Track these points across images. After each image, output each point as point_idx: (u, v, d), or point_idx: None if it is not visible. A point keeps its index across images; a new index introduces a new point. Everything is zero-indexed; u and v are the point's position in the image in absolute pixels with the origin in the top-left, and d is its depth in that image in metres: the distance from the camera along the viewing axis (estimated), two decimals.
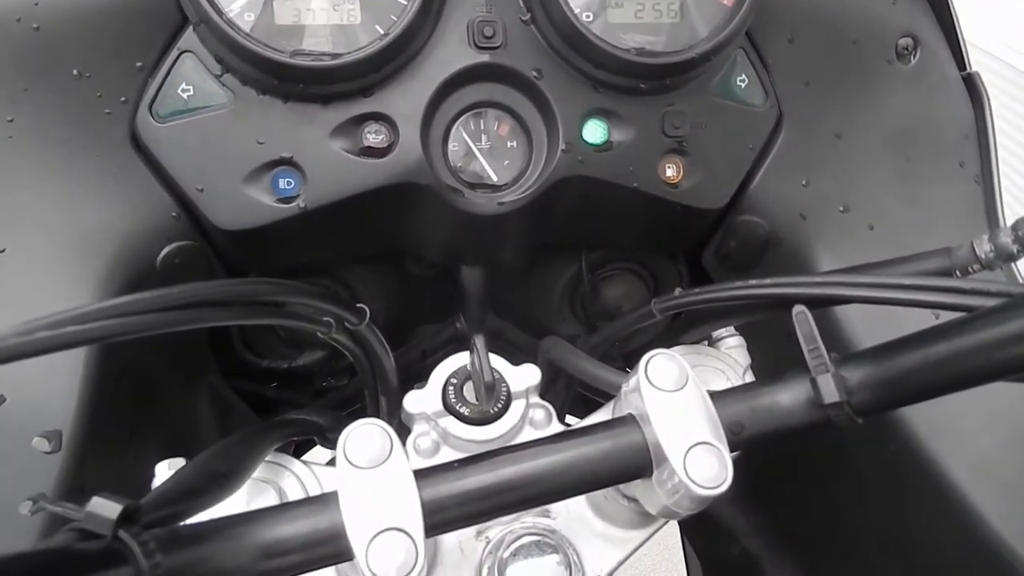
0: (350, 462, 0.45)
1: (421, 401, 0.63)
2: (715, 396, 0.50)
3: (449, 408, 0.63)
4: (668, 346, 0.60)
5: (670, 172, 0.73)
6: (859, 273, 0.56)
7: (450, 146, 0.70)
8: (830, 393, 0.48)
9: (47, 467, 0.57)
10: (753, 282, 0.58)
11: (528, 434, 0.64)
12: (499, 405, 0.63)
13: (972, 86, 0.82)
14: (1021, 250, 0.51)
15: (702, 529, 1.09)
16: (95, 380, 0.62)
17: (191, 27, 0.67)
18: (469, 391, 0.63)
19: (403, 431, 0.62)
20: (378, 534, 0.42)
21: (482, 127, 0.71)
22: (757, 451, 0.51)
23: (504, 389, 0.64)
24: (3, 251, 0.64)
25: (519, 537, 0.60)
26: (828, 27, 0.78)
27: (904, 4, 0.79)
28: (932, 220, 0.77)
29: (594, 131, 0.71)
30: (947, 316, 0.48)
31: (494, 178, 0.71)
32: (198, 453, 0.51)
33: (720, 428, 0.48)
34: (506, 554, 0.59)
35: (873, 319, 0.69)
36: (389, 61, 0.66)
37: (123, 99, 0.67)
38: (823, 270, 0.74)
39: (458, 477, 0.47)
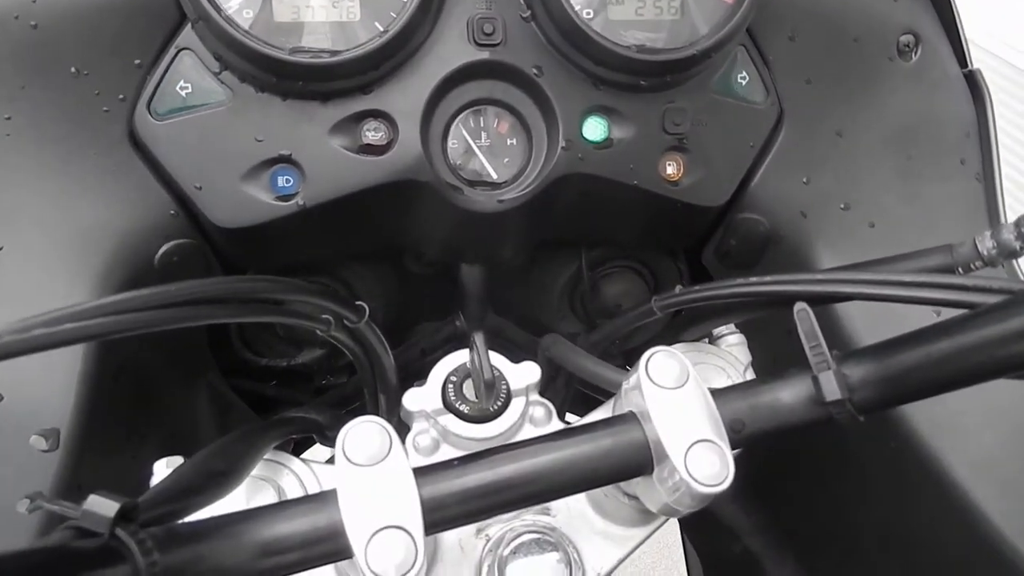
0: (349, 460, 0.45)
1: (420, 399, 0.63)
2: (716, 394, 0.50)
3: (449, 406, 0.62)
4: (668, 344, 0.60)
5: (670, 169, 0.73)
6: (860, 270, 0.55)
7: (450, 143, 0.70)
8: (832, 391, 0.48)
9: (44, 465, 0.57)
10: (754, 279, 0.58)
11: (528, 432, 0.64)
12: (499, 403, 0.62)
13: (973, 83, 0.82)
14: None
15: (702, 527, 1.09)
16: (93, 378, 0.61)
17: (189, 24, 0.67)
18: (469, 389, 0.63)
19: (402, 429, 0.61)
20: (377, 532, 0.42)
21: (482, 124, 0.71)
22: (758, 449, 0.51)
23: (504, 387, 0.63)
24: (1, 249, 0.64)
25: (519, 535, 0.60)
26: (829, 24, 0.77)
27: (905, 1, 0.79)
28: (933, 218, 0.77)
29: (594, 128, 0.70)
30: (948, 313, 0.48)
31: (494, 176, 0.71)
32: (197, 451, 0.51)
33: (721, 426, 0.48)
34: (506, 552, 0.59)
35: (874, 316, 0.69)
36: (388, 58, 0.66)
37: (121, 97, 0.67)
38: (824, 268, 0.73)
39: (458, 475, 0.47)
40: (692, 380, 0.50)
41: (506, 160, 0.71)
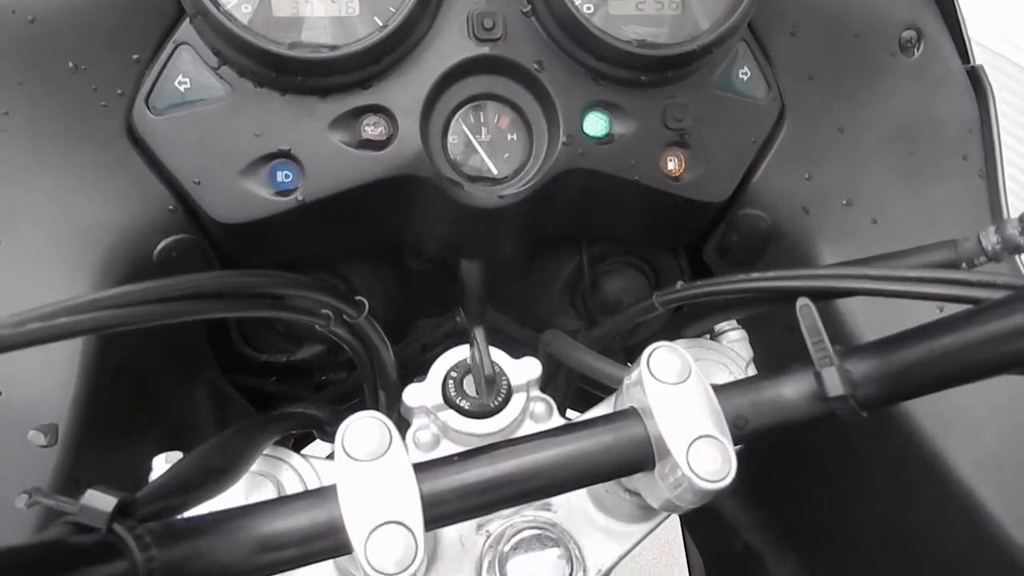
0: (348, 455, 0.44)
1: (420, 394, 0.63)
2: (718, 389, 0.50)
3: (449, 401, 0.62)
4: (670, 340, 0.59)
5: (672, 165, 0.72)
6: (863, 266, 0.55)
7: (449, 139, 0.70)
8: (834, 386, 0.47)
9: (43, 461, 0.57)
10: (756, 275, 0.57)
11: (529, 428, 0.64)
12: (499, 398, 0.62)
13: (976, 79, 0.82)
14: None
15: (704, 523, 1.09)
16: (92, 374, 0.61)
17: (188, 19, 0.66)
18: (469, 384, 0.63)
19: (402, 425, 0.61)
20: (377, 527, 0.42)
21: (482, 120, 0.70)
22: (760, 445, 0.51)
23: (504, 382, 0.63)
24: None
25: (520, 531, 0.59)
26: (831, 20, 0.77)
27: None
28: (935, 214, 0.77)
29: (595, 124, 0.70)
30: (951, 309, 0.48)
31: (494, 171, 0.70)
32: (196, 447, 0.51)
33: (723, 421, 0.48)
34: (507, 548, 0.59)
35: (876, 312, 0.69)
36: (388, 53, 0.66)
37: (119, 92, 0.66)
38: (826, 264, 0.73)
39: (458, 470, 0.46)
40: (694, 375, 0.50)
41: (506, 156, 0.71)
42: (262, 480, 0.59)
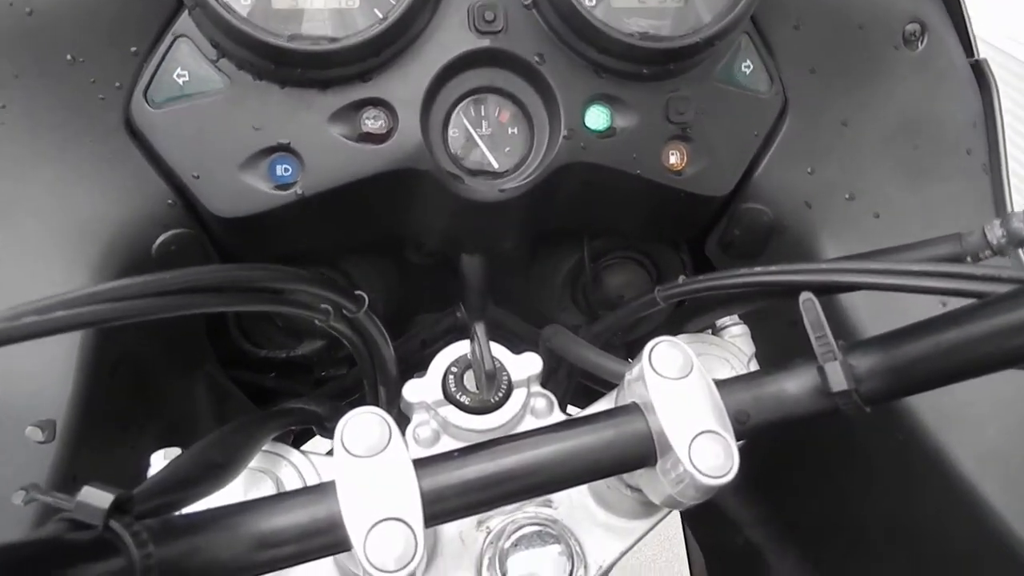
0: (348, 451, 0.44)
1: (421, 390, 0.62)
2: (720, 384, 0.50)
3: (449, 397, 0.62)
4: (671, 335, 0.59)
5: (674, 159, 0.72)
6: (867, 260, 0.55)
7: (450, 132, 0.69)
8: (838, 381, 0.47)
9: (41, 457, 0.56)
10: (759, 269, 0.57)
11: (529, 423, 0.64)
12: (500, 394, 0.62)
13: (980, 73, 0.81)
14: None
15: (704, 519, 1.09)
16: (90, 369, 0.61)
17: (186, 11, 0.66)
18: (469, 380, 0.62)
19: (402, 421, 0.61)
20: (376, 524, 0.42)
21: (483, 113, 0.70)
22: (762, 440, 0.50)
23: (505, 378, 0.63)
24: None
25: (520, 527, 0.59)
26: (834, 12, 0.76)
27: None
28: (939, 209, 0.76)
29: (597, 117, 0.69)
30: (954, 304, 0.47)
31: (495, 165, 0.70)
32: (195, 443, 0.50)
33: (726, 417, 0.48)
34: (507, 544, 0.58)
35: (878, 307, 0.69)
36: (388, 45, 0.65)
37: (117, 85, 0.66)
38: (828, 258, 0.73)
39: (458, 466, 0.46)
40: (696, 370, 0.49)
41: (507, 149, 0.70)
42: (261, 476, 0.58)
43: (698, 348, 0.70)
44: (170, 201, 0.68)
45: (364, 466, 0.44)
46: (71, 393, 0.59)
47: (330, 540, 0.42)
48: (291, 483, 0.60)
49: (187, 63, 0.66)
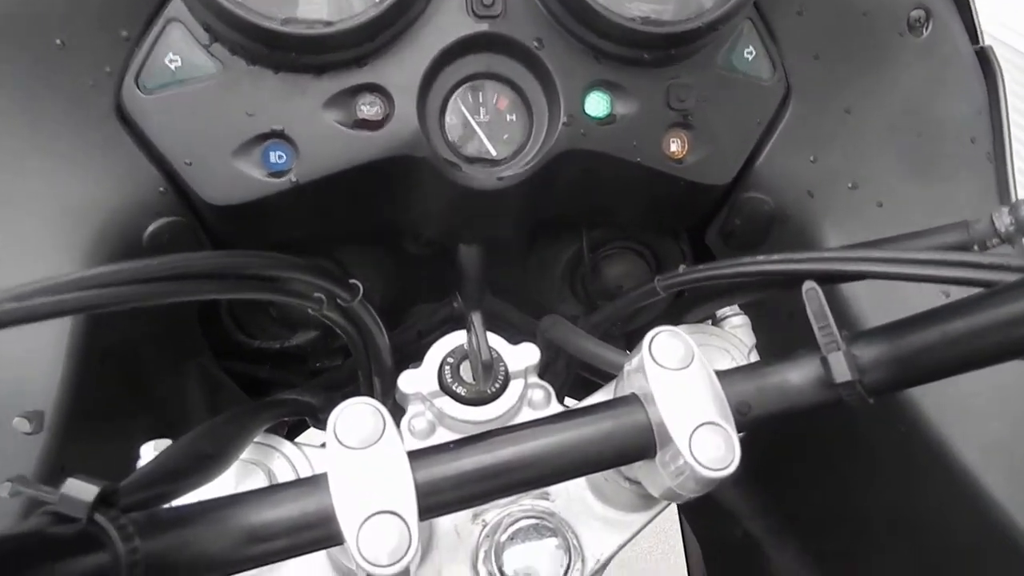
0: (340, 442, 0.43)
1: (416, 381, 0.61)
2: (721, 375, 0.49)
3: (445, 388, 0.61)
4: (671, 325, 0.58)
5: (674, 147, 0.71)
6: (872, 248, 0.54)
7: (447, 119, 0.68)
8: (841, 372, 0.46)
9: (28, 448, 0.55)
10: (761, 258, 0.56)
11: (526, 415, 0.63)
12: (496, 385, 0.61)
13: (985, 60, 0.80)
14: None
15: (702, 511, 1.08)
16: (79, 358, 0.60)
17: None
18: (466, 370, 0.61)
19: (398, 412, 0.60)
20: (369, 517, 0.41)
21: (480, 100, 0.69)
22: (761, 431, 0.49)
23: (502, 368, 0.62)
24: None
25: (517, 520, 0.58)
26: None
27: None
28: (943, 197, 0.75)
29: (596, 104, 0.68)
30: (958, 294, 0.46)
31: (493, 152, 0.69)
32: None
33: (727, 408, 0.47)
34: (503, 537, 0.58)
35: (880, 297, 0.68)
36: (384, 29, 0.64)
37: (108, 70, 0.65)
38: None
39: (454, 458, 0.45)
40: (697, 361, 0.48)
41: (506, 136, 0.69)
42: (253, 468, 0.58)
43: (698, 339, 0.70)
44: (162, 188, 0.66)
45: (357, 458, 0.43)
46: (60, 383, 0.58)
47: (322, 534, 0.41)
48: (283, 475, 0.59)
49: (179, 48, 0.65)
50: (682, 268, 0.65)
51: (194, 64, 0.65)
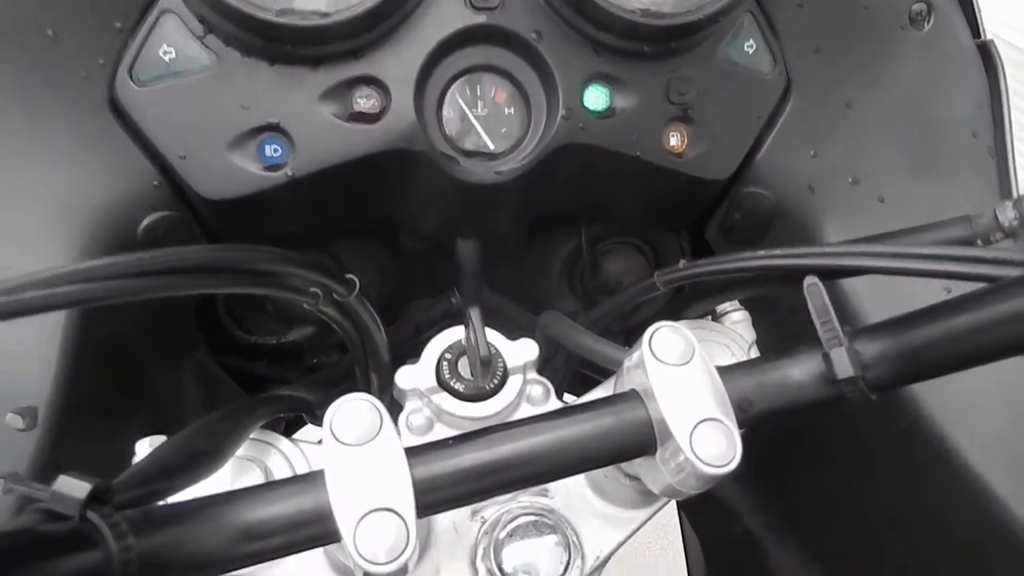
0: (337, 439, 0.42)
1: (413, 377, 0.60)
2: (722, 371, 0.48)
3: (443, 384, 0.60)
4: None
5: (674, 141, 0.70)
6: (874, 243, 0.53)
7: (445, 112, 0.67)
8: (844, 368, 0.46)
9: (21, 445, 0.55)
10: (762, 253, 0.55)
11: (525, 411, 0.62)
12: (495, 381, 0.60)
13: (986, 54, 0.79)
14: None
15: (701, 507, 1.08)
16: (74, 354, 0.59)
17: None
18: (464, 366, 0.61)
19: (395, 408, 0.59)
20: (367, 515, 0.40)
21: (478, 93, 0.68)
22: (761, 428, 0.49)
23: (500, 364, 0.61)
24: None
25: (516, 517, 0.58)
26: None
27: None
28: (944, 192, 0.75)
29: (596, 97, 0.68)
30: (960, 289, 0.46)
31: (491, 146, 0.68)
32: None
33: (728, 404, 0.46)
34: (502, 535, 0.57)
35: (881, 293, 0.67)
36: (381, 21, 0.63)
37: (101, 62, 0.64)
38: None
39: (452, 455, 0.45)
40: (698, 356, 0.48)
41: (504, 130, 0.68)
42: (249, 465, 0.57)
43: (698, 334, 0.67)
44: (156, 182, 0.66)
45: (354, 455, 0.42)
46: (53, 379, 0.58)
47: (319, 531, 0.41)
48: (280, 472, 0.58)
49: (173, 39, 0.64)
50: (682, 263, 0.64)
51: (188, 56, 0.64)
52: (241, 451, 0.55)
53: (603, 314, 0.80)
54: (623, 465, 0.56)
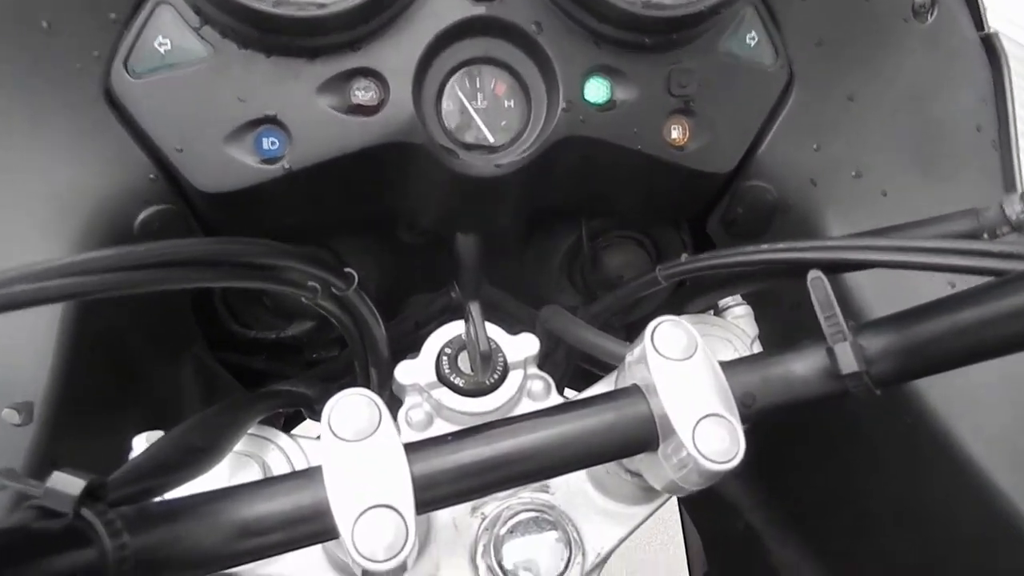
0: (335, 435, 0.42)
1: (413, 372, 0.60)
2: (725, 366, 0.48)
3: (443, 379, 0.60)
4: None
5: (676, 134, 0.70)
6: (879, 236, 0.53)
7: (444, 105, 0.67)
8: (848, 363, 0.45)
9: (17, 440, 0.54)
10: (765, 246, 0.55)
11: (526, 406, 0.62)
12: (495, 376, 0.60)
13: (990, 47, 0.79)
14: None
15: (703, 502, 1.08)
16: (70, 348, 0.59)
17: None
18: (464, 361, 0.60)
19: (395, 403, 0.59)
20: (365, 511, 0.40)
21: (478, 85, 0.67)
22: (764, 422, 0.49)
23: (500, 359, 0.60)
24: None
25: (516, 513, 0.57)
26: None
27: None
28: (948, 186, 0.74)
29: (596, 89, 0.67)
30: (964, 284, 0.45)
31: (490, 139, 0.67)
32: None
33: (731, 399, 0.46)
34: (503, 531, 0.57)
35: (885, 287, 0.67)
36: (379, 12, 0.62)
37: (96, 53, 0.63)
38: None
39: (452, 451, 0.44)
40: (700, 351, 0.47)
41: (503, 123, 0.67)
42: (247, 461, 0.56)
43: (700, 329, 0.67)
44: (152, 176, 0.65)
45: (352, 450, 0.42)
46: (49, 374, 0.57)
47: (317, 528, 0.40)
48: (278, 468, 0.58)
49: (169, 31, 0.63)
50: (684, 257, 0.64)
51: (184, 48, 0.63)
52: (239, 447, 0.55)
53: (603, 309, 0.79)
54: (625, 461, 0.56)
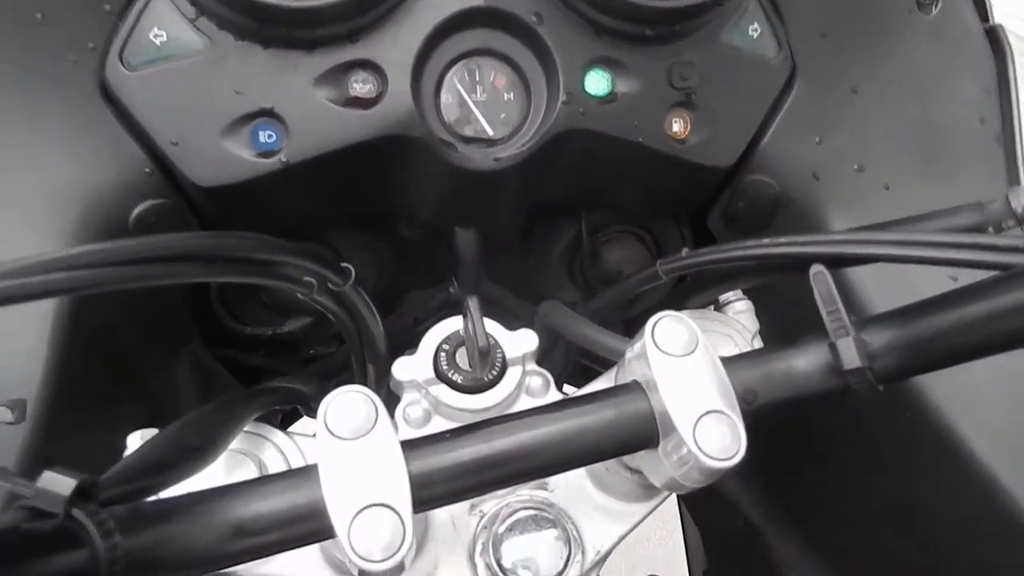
0: (331, 432, 0.41)
1: (411, 368, 0.59)
2: (727, 362, 0.47)
3: (441, 375, 0.59)
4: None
5: (677, 127, 0.69)
6: (882, 231, 0.52)
7: (442, 97, 0.66)
8: (851, 359, 0.45)
9: (9, 439, 0.54)
10: (766, 241, 0.54)
11: (525, 403, 0.61)
12: (494, 372, 0.59)
13: (995, 39, 0.78)
14: None
15: (702, 498, 1.07)
16: (63, 345, 0.58)
17: None
18: (462, 357, 0.60)
19: (392, 400, 0.58)
20: (362, 510, 0.39)
21: (477, 77, 0.66)
22: (765, 418, 0.48)
23: (499, 355, 0.60)
24: None
25: (515, 511, 0.57)
26: None
27: None
28: (951, 180, 0.74)
29: (597, 82, 0.66)
30: (966, 279, 0.45)
31: (490, 132, 0.67)
32: None
33: (733, 396, 0.45)
34: (501, 529, 0.56)
35: (887, 282, 0.66)
36: (378, 3, 0.62)
37: (91, 45, 0.62)
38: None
39: (449, 448, 0.44)
40: (701, 347, 0.47)
41: (503, 115, 0.67)
42: (243, 459, 0.56)
43: (701, 324, 0.67)
44: (148, 169, 0.64)
45: (349, 448, 0.41)
46: (42, 371, 0.56)
47: (313, 527, 0.40)
48: (275, 466, 0.57)
49: (164, 22, 0.63)
50: (685, 252, 0.63)
51: (180, 39, 0.63)
52: (235, 444, 0.54)
53: (603, 304, 0.79)
54: (625, 458, 0.55)
